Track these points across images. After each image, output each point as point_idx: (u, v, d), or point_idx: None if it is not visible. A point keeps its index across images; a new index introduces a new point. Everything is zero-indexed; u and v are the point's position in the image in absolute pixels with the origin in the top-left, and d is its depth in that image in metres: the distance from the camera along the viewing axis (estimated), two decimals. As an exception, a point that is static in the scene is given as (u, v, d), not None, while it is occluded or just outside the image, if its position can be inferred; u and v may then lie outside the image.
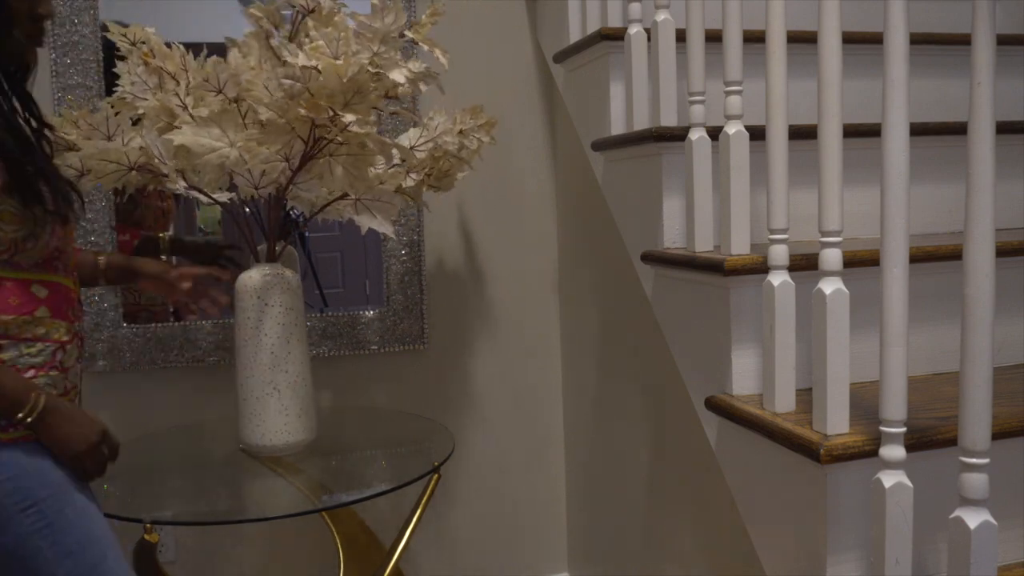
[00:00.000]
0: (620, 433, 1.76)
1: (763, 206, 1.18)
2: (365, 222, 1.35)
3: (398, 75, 1.26)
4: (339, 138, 1.25)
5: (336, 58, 1.19)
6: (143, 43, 1.36)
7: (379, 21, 1.24)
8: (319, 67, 1.18)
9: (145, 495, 1.35)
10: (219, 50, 1.40)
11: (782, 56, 1.10)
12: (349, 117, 1.23)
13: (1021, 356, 1.38)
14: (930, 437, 1.03)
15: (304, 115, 1.21)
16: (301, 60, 1.18)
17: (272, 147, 1.26)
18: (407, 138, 1.52)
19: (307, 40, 1.36)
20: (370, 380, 1.98)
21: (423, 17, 1.38)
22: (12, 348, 1.10)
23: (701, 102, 1.34)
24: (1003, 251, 1.24)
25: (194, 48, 1.38)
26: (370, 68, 1.23)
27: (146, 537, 1.41)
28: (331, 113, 1.22)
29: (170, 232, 1.89)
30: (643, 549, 1.69)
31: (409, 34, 1.32)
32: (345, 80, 1.20)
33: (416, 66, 1.31)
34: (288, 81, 1.20)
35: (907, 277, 0.92)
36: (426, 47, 1.39)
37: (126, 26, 1.40)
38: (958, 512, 0.88)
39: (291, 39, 1.35)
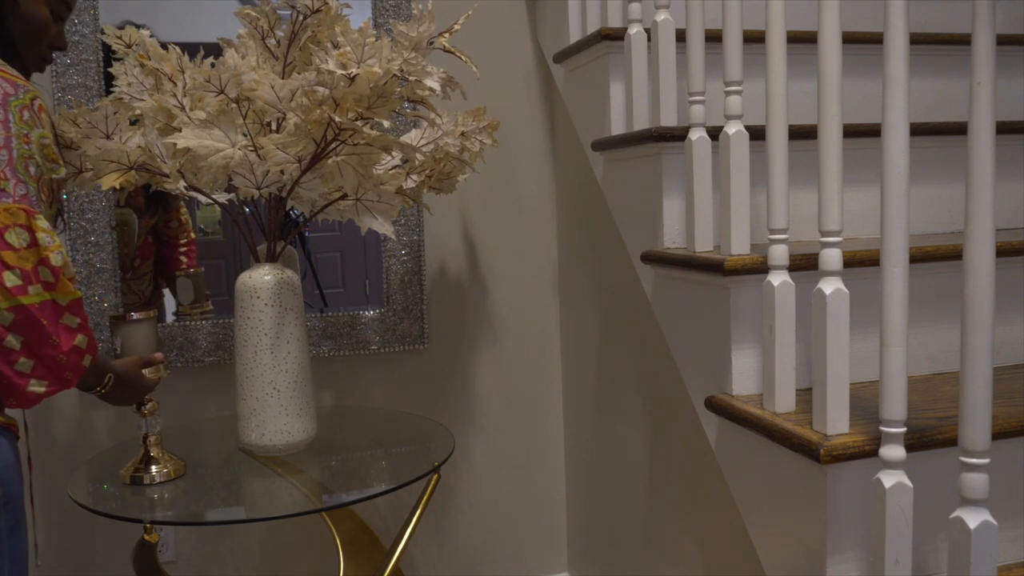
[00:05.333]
0: (620, 433, 1.76)
1: (763, 206, 1.18)
2: (365, 222, 1.36)
3: (433, 83, 1.27)
4: (358, 140, 1.26)
5: (360, 63, 1.20)
6: (138, 45, 1.36)
7: (415, 30, 1.25)
8: (354, 74, 1.19)
9: (145, 495, 1.35)
10: (216, 50, 1.40)
11: (782, 56, 1.10)
12: (385, 123, 1.26)
13: (1021, 356, 1.38)
14: (930, 437, 1.03)
15: (325, 118, 1.21)
16: (332, 67, 1.19)
17: (293, 149, 1.26)
18: (408, 139, 1.52)
19: (313, 44, 1.36)
20: (370, 380, 1.98)
21: (455, 25, 1.39)
22: None
23: (701, 102, 1.34)
24: (1003, 251, 1.24)
25: (192, 48, 1.38)
26: (408, 76, 1.24)
27: (146, 537, 1.41)
28: (355, 117, 1.23)
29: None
30: (643, 549, 1.69)
31: (439, 41, 1.33)
32: (372, 86, 1.20)
33: (442, 72, 1.32)
34: (322, 89, 1.21)
35: (907, 277, 0.92)
36: (460, 56, 1.39)
37: (138, 27, 1.40)
38: (958, 512, 0.88)
39: (291, 40, 1.35)
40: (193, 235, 1.90)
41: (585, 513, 2.03)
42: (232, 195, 1.39)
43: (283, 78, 1.34)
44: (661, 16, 1.44)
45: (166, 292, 1.90)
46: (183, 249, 1.90)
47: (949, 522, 0.88)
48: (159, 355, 1.36)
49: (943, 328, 1.32)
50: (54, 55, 1.70)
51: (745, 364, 1.24)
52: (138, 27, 1.40)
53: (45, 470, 1.80)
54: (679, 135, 1.38)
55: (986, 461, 0.86)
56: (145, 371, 1.32)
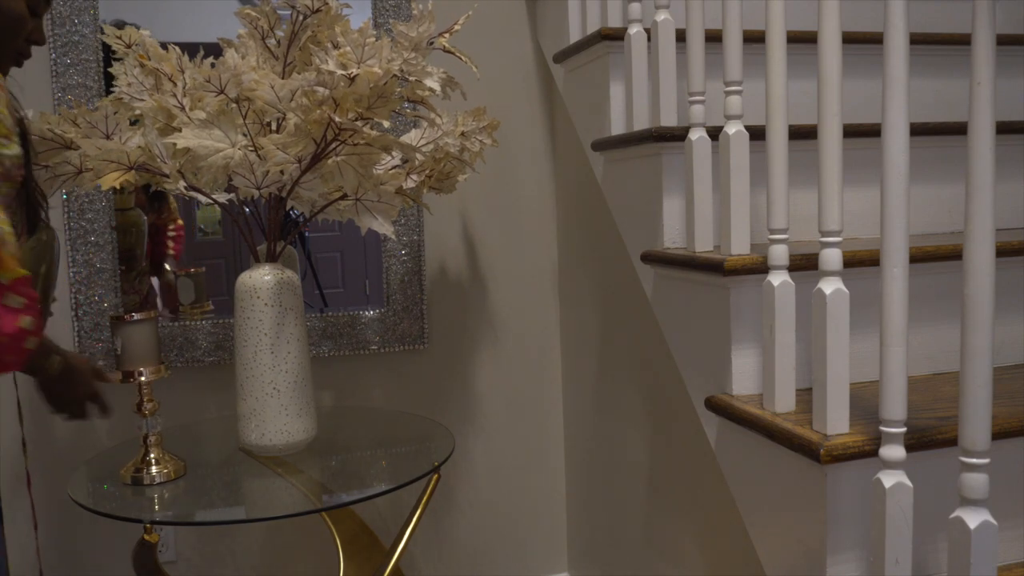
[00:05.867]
0: (620, 433, 1.76)
1: (763, 206, 1.18)
2: (365, 222, 1.36)
3: (432, 83, 1.27)
4: (358, 140, 1.26)
5: (359, 63, 1.20)
6: (138, 45, 1.36)
7: (415, 30, 1.25)
8: (354, 74, 1.19)
9: (145, 495, 1.35)
10: (215, 50, 1.40)
11: (782, 56, 1.10)
12: (385, 124, 1.26)
13: (1021, 356, 1.38)
14: (930, 437, 1.03)
15: (325, 118, 1.21)
16: (332, 67, 1.19)
17: (293, 149, 1.26)
18: (408, 139, 1.52)
19: (313, 44, 1.36)
20: (370, 380, 1.98)
21: (455, 25, 1.39)
22: None
23: (701, 102, 1.34)
24: (1003, 251, 1.24)
25: (192, 48, 1.39)
26: (408, 76, 1.24)
27: (146, 537, 1.41)
28: (355, 117, 1.23)
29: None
30: (643, 549, 1.69)
31: (439, 41, 1.33)
32: (372, 86, 1.21)
33: (442, 72, 1.32)
34: (322, 89, 1.21)
35: (907, 277, 0.92)
36: (460, 56, 1.39)
37: (122, 27, 1.41)
38: (958, 512, 0.88)
39: (291, 40, 1.35)
40: (180, 221, 1.91)
41: (585, 513, 2.03)
42: (232, 195, 1.38)
43: (283, 78, 1.34)
44: (661, 16, 1.44)
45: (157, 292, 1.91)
46: (172, 234, 1.90)
47: (949, 522, 0.88)
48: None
49: (943, 328, 1.32)
50: (51, 55, 1.70)
51: (745, 364, 1.24)
52: (122, 25, 1.40)
53: (45, 470, 1.80)
54: (679, 135, 1.38)
55: (986, 461, 0.86)
56: (144, 373, 1.31)
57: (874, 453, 0.97)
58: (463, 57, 1.40)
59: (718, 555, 1.39)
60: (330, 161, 1.29)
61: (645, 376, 1.62)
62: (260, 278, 1.38)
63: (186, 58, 1.36)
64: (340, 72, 1.19)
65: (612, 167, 1.66)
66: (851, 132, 1.33)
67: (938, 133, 1.50)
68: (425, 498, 1.52)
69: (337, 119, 1.21)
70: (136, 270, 1.84)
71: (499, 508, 2.10)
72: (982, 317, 0.85)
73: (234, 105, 1.31)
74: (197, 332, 1.84)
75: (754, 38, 1.27)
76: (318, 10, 1.33)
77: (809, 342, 1.06)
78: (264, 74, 1.28)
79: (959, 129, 1.48)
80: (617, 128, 1.62)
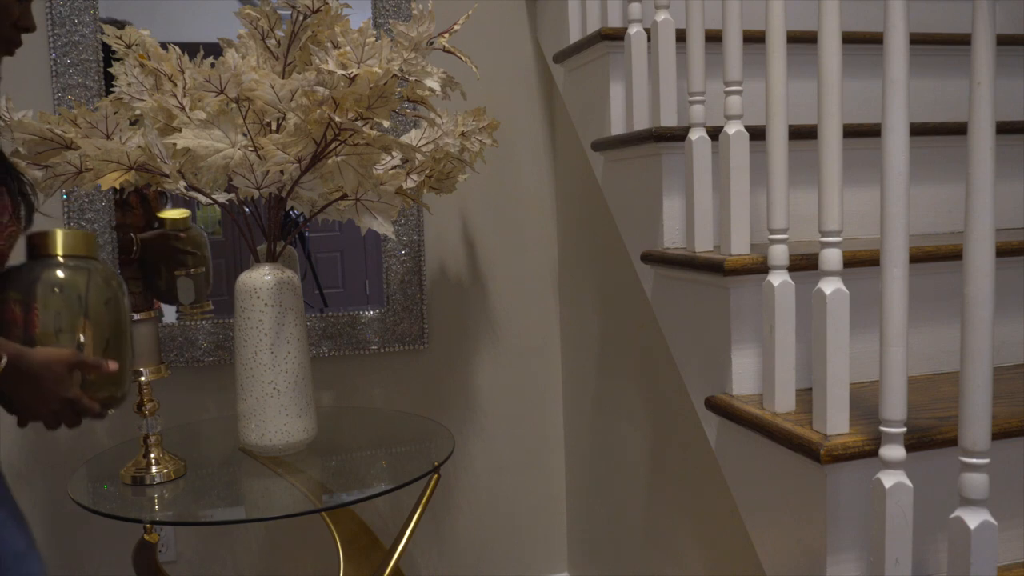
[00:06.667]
0: (620, 433, 1.76)
1: (763, 206, 1.19)
2: (365, 223, 1.36)
3: (432, 83, 1.27)
4: (358, 140, 1.26)
5: (359, 63, 1.20)
6: (138, 45, 1.36)
7: (415, 30, 1.25)
8: (354, 74, 1.19)
9: (145, 495, 1.35)
10: (215, 50, 1.40)
11: (782, 56, 1.10)
12: (385, 124, 1.26)
13: (1021, 356, 1.38)
14: (930, 437, 1.03)
15: (325, 118, 1.21)
16: (332, 67, 1.19)
17: (293, 149, 1.26)
18: (408, 139, 1.52)
19: (313, 44, 1.36)
20: (370, 380, 1.98)
21: (455, 25, 1.39)
22: None
23: (701, 102, 1.34)
24: (1003, 251, 1.24)
25: (192, 48, 1.39)
26: (408, 76, 1.24)
27: (146, 537, 1.41)
28: (355, 117, 1.23)
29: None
30: (643, 549, 1.69)
31: (439, 41, 1.33)
32: (372, 86, 1.21)
33: (442, 72, 1.33)
34: (322, 89, 1.21)
35: (907, 277, 0.93)
36: (460, 56, 1.40)
37: (122, 27, 1.41)
38: (958, 512, 0.87)
39: (291, 40, 1.35)
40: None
41: (585, 513, 2.03)
42: (232, 195, 1.39)
43: (283, 78, 1.34)
44: (661, 16, 1.44)
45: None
46: None
47: (949, 522, 0.88)
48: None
49: (943, 328, 1.32)
50: (51, 55, 1.70)
51: (745, 364, 1.24)
52: (121, 25, 1.40)
53: (45, 470, 1.80)
54: (679, 135, 1.38)
55: (986, 461, 0.86)
56: (144, 373, 1.28)
57: (874, 453, 0.97)
58: (463, 57, 1.40)
59: (718, 555, 1.39)
60: (330, 161, 1.29)
61: (645, 376, 1.62)
62: (260, 278, 1.38)
63: (186, 58, 1.36)
64: (340, 72, 1.19)
65: (612, 167, 1.66)
66: (851, 132, 1.33)
67: (938, 133, 1.50)
68: (425, 498, 1.52)
69: (337, 119, 1.21)
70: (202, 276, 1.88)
71: (499, 508, 2.10)
72: (982, 317, 0.85)
73: (234, 105, 1.31)
74: (197, 332, 1.84)
75: (754, 38, 1.27)
76: (318, 10, 1.33)
77: (809, 342, 1.06)
78: (264, 74, 1.28)
79: (959, 129, 1.48)
80: (617, 128, 1.62)
